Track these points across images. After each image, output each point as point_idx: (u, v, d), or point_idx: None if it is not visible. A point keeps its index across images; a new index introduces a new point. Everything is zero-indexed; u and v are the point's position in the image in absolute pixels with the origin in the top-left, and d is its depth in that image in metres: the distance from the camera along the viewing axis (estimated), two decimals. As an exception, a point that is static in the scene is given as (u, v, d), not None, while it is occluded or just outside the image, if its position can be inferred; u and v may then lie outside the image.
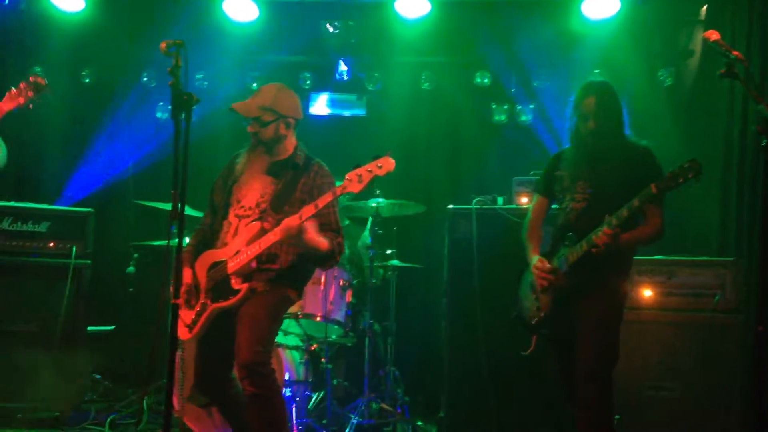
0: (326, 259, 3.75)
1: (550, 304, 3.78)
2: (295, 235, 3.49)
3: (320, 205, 3.51)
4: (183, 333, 3.74)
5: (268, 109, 3.77)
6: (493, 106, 6.59)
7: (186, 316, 3.75)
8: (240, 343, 3.53)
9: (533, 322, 3.84)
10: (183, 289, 3.75)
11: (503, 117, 6.58)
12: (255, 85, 6.65)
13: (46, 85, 4.15)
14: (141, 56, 6.76)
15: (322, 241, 3.62)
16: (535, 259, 3.84)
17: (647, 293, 4.73)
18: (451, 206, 5.23)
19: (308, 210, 3.51)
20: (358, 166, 3.44)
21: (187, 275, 3.77)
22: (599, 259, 3.54)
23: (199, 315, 3.69)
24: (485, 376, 4.88)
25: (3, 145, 3.94)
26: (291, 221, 3.49)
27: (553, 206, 4.02)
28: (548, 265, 3.76)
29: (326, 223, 3.70)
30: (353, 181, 3.42)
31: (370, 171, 3.41)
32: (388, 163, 3.40)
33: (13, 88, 3.99)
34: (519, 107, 6.54)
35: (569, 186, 3.83)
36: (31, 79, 4.05)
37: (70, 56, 6.73)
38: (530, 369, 4.61)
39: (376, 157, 3.43)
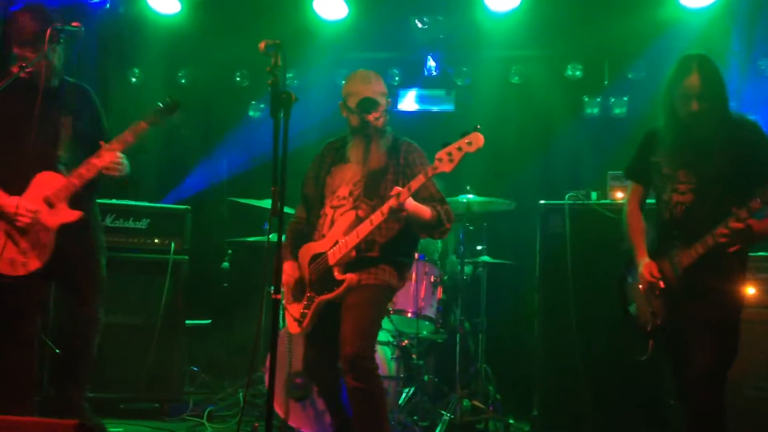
0: (434, 227, 3.64)
1: (665, 309, 3.55)
2: (397, 210, 3.40)
3: (413, 188, 3.43)
4: (293, 327, 3.77)
5: (385, 96, 3.78)
6: (585, 99, 6.46)
7: (294, 310, 3.76)
8: (344, 336, 3.51)
9: (648, 328, 3.62)
10: (289, 282, 3.78)
11: (596, 110, 6.44)
12: (344, 82, 6.70)
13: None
14: (234, 56, 6.92)
15: (424, 209, 3.55)
16: (644, 264, 3.60)
17: (751, 291, 4.55)
18: (542, 201, 5.16)
19: (405, 192, 3.42)
20: (446, 144, 3.35)
21: (292, 269, 3.80)
22: (716, 258, 3.31)
23: (306, 308, 3.70)
24: (580, 374, 4.77)
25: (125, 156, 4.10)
26: (397, 188, 3.41)
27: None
28: (659, 272, 3.53)
29: (426, 196, 3.63)
30: (444, 160, 3.33)
31: (460, 149, 3.31)
32: (477, 139, 3.30)
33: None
34: (612, 99, 6.39)
35: (670, 175, 3.53)
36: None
37: (167, 58, 6.94)
38: (627, 366, 4.47)
39: (465, 134, 3.33)
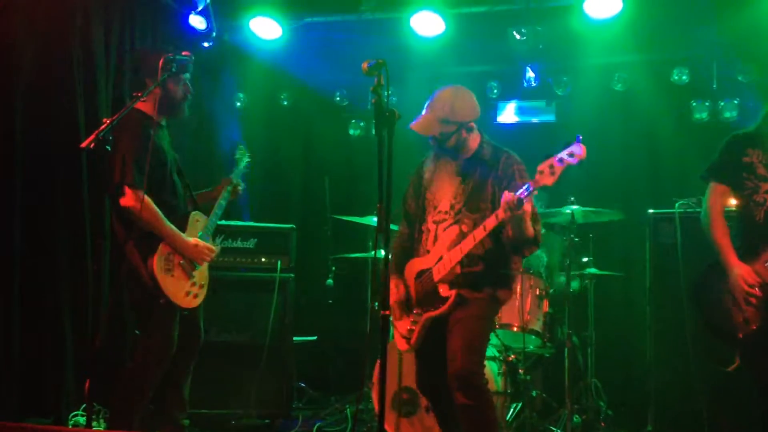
0: (529, 245, 3.61)
1: (761, 315, 3.45)
2: (516, 210, 3.32)
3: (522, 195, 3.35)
4: (401, 344, 3.78)
5: (449, 122, 3.69)
6: (693, 104, 6.25)
7: (401, 326, 3.78)
8: (452, 353, 3.50)
9: (740, 336, 3.51)
10: (396, 299, 3.80)
11: (704, 115, 6.22)
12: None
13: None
14: (333, 77, 7.04)
15: (530, 227, 3.50)
16: (739, 268, 3.53)
17: None
18: (651, 211, 5.01)
19: (512, 196, 3.34)
20: (548, 156, 3.29)
21: (399, 286, 3.82)
22: None
23: (414, 325, 3.71)
24: (696, 388, 4.58)
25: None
26: (509, 197, 3.33)
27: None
28: (757, 278, 3.45)
29: None
30: (545, 173, 3.27)
31: (561, 161, 3.25)
32: (579, 151, 3.24)
33: None
34: (722, 103, 6.16)
35: (766, 176, 3.51)
36: None
37: (269, 81, 7.13)
38: (747, 380, 4.27)
39: (567, 145, 3.27)
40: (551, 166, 3.27)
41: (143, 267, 3.91)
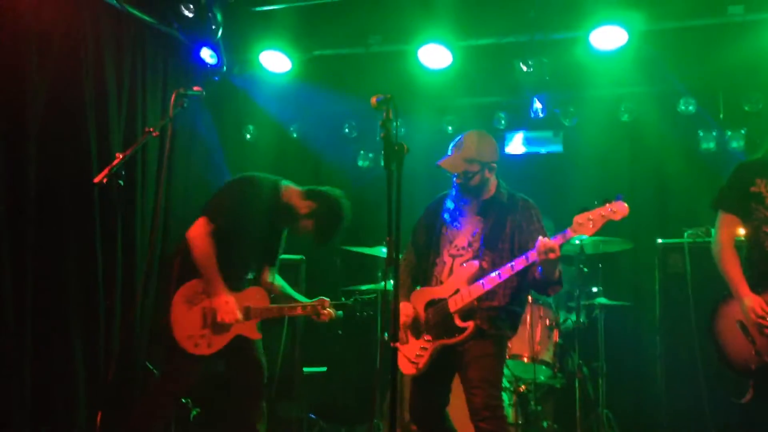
0: (554, 286, 3.71)
1: None
2: (551, 254, 3.42)
3: (557, 244, 3.44)
4: (407, 368, 3.83)
5: (474, 161, 3.83)
6: (701, 134, 6.27)
7: (408, 351, 3.83)
8: (474, 385, 3.62)
9: (753, 367, 3.53)
10: (405, 322, 3.85)
11: (712, 144, 6.23)
12: (450, 128, 6.78)
13: None
14: (342, 108, 7.10)
15: (556, 270, 3.61)
16: (750, 299, 3.57)
17: None
18: (660, 240, 5.01)
19: (551, 243, 3.44)
20: (585, 209, 3.41)
21: (408, 310, 3.86)
22: None
23: (423, 350, 3.78)
24: (707, 418, 4.56)
25: None
26: (547, 242, 3.43)
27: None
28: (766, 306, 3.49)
29: None
30: (584, 225, 3.41)
31: (604, 216, 3.39)
32: (622, 208, 3.39)
33: None
34: (729, 133, 6.18)
35: None
36: None
37: (279, 113, 7.20)
38: (760, 411, 4.25)
39: (607, 201, 3.40)
40: (590, 219, 3.40)
41: (173, 285, 4.03)
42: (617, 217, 3.34)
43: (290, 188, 4.29)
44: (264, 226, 4.23)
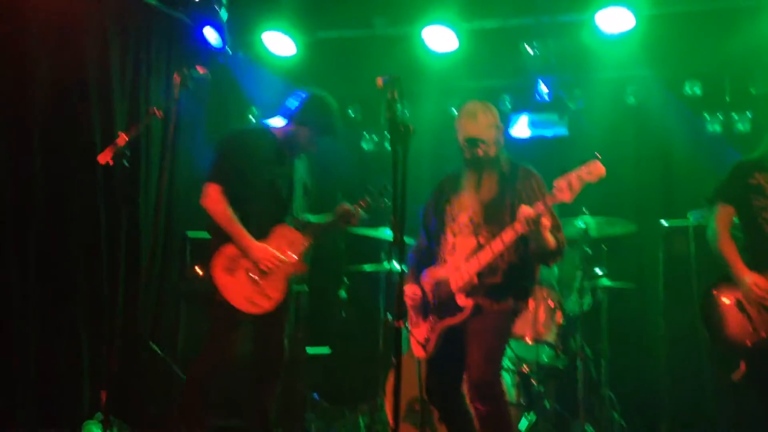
0: (553, 256, 3.66)
1: None
2: (534, 225, 3.39)
3: (534, 214, 3.41)
4: (418, 351, 3.82)
5: (495, 125, 3.82)
6: (707, 117, 6.26)
7: (418, 334, 3.82)
8: (471, 362, 3.55)
9: (749, 344, 3.64)
10: (413, 304, 3.85)
11: (717, 127, 6.22)
12: (455, 111, 6.76)
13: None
14: (346, 91, 7.09)
15: (550, 238, 3.54)
16: (751, 278, 3.66)
17: None
18: (664, 223, 5.01)
19: (530, 210, 3.41)
20: (565, 172, 3.34)
21: (417, 293, 3.86)
22: None
23: (431, 333, 3.75)
24: (710, 401, 4.58)
25: None
26: (526, 210, 3.40)
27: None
28: None
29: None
30: (563, 189, 3.32)
31: (580, 177, 3.30)
32: (597, 169, 3.29)
33: None
34: (735, 116, 6.16)
35: None
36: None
37: (283, 96, 7.16)
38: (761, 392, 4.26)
39: (585, 163, 3.32)
40: (569, 183, 3.31)
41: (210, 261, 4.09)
42: (593, 178, 3.27)
43: (272, 123, 4.40)
44: (271, 169, 4.27)
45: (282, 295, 4.20)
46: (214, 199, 4.11)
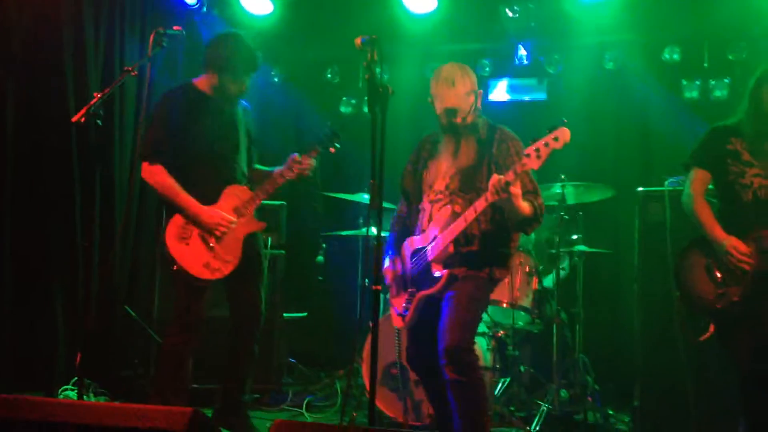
0: (529, 223, 3.60)
1: (743, 287, 3.64)
2: (503, 192, 3.33)
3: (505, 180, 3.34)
4: (396, 321, 3.81)
5: (473, 92, 3.74)
6: (684, 83, 6.26)
7: (397, 304, 3.80)
8: (443, 329, 3.50)
9: (718, 306, 3.71)
10: (393, 276, 3.83)
11: (695, 93, 6.23)
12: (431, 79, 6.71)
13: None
14: (324, 54, 7.01)
15: (524, 205, 3.48)
16: (731, 241, 3.68)
17: None
18: (641, 189, 5.02)
19: (498, 178, 3.34)
20: (535, 139, 3.28)
21: (397, 263, 3.84)
22: None
23: (408, 303, 3.71)
24: (683, 364, 4.62)
25: None
26: (495, 179, 3.34)
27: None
28: (747, 248, 3.64)
29: (522, 186, 3.50)
30: (531, 156, 3.26)
31: (547, 144, 3.24)
32: (564, 134, 3.22)
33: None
34: (712, 82, 6.17)
35: (752, 162, 3.73)
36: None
37: (260, 57, 7.07)
38: (728, 354, 4.32)
39: (552, 129, 3.26)
40: (537, 150, 3.26)
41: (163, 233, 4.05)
42: (559, 144, 3.21)
43: (197, 79, 4.27)
44: (208, 126, 4.17)
45: (239, 257, 4.15)
46: (151, 172, 4.05)
